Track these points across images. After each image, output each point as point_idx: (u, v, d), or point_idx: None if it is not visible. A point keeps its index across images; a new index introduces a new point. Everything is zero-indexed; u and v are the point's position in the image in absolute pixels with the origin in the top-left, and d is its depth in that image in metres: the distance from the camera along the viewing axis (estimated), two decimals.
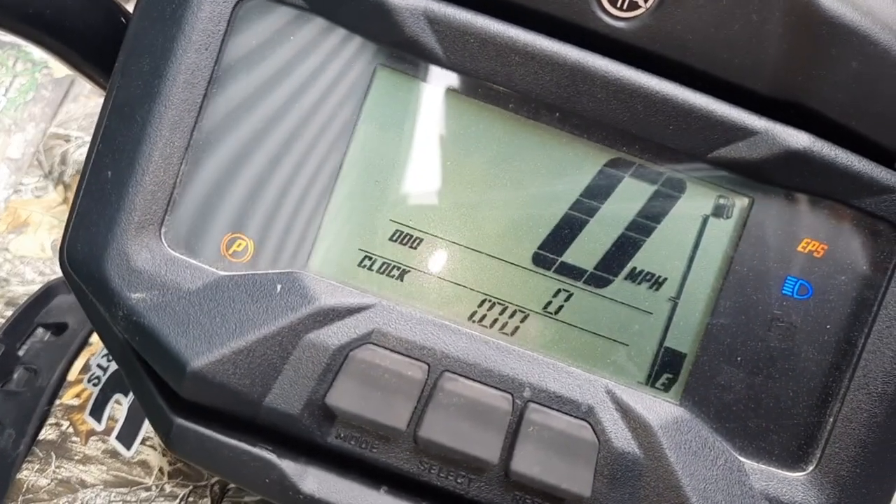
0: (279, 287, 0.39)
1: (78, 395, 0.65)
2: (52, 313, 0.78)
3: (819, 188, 0.39)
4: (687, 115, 0.38)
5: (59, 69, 1.05)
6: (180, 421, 0.39)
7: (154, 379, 0.41)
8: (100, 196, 0.39)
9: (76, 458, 0.62)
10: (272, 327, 0.38)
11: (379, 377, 0.38)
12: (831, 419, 0.40)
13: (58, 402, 0.66)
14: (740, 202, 0.40)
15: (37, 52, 1.06)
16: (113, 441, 0.62)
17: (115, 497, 0.60)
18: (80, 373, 0.67)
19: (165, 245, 0.40)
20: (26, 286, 0.87)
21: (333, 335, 0.39)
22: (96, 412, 0.64)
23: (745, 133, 0.38)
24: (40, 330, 0.77)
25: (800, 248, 0.40)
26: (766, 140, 0.38)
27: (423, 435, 0.38)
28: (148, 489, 0.60)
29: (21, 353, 0.75)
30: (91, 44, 0.46)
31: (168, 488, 0.60)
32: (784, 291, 0.40)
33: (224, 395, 0.39)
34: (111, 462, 0.61)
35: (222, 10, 0.39)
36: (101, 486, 0.60)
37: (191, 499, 0.60)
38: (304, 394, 0.39)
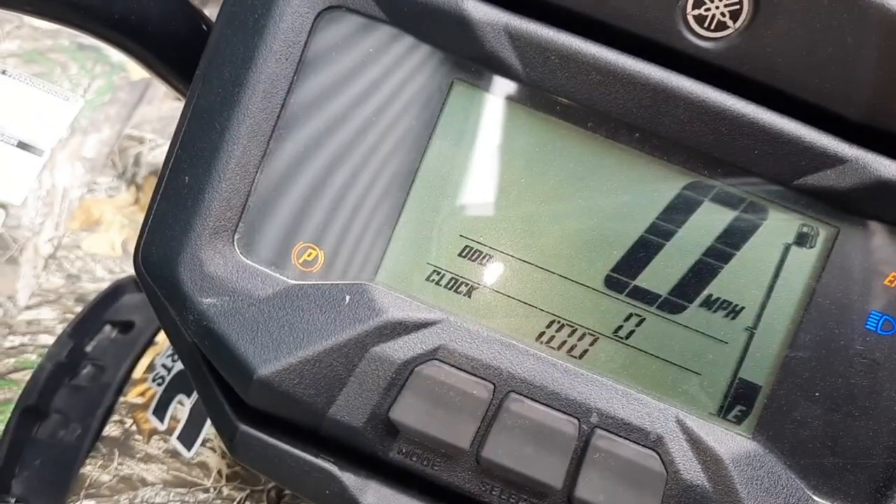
0: (347, 298, 0.39)
1: (142, 394, 0.66)
2: (119, 311, 0.79)
3: None
4: (773, 140, 0.37)
5: (136, 72, 1.08)
6: (245, 427, 0.40)
7: (220, 384, 0.41)
8: (177, 200, 0.40)
9: (138, 455, 0.63)
10: (339, 338, 0.38)
11: (444, 394, 0.38)
12: None
13: (122, 399, 0.67)
14: (825, 232, 0.38)
15: (115, 55, 1.08)
16: (174, 441, 0.63)
17: (173, 497, 0.61)
18: (145, 372, 0.68)
19: (238, 252, 0.40)
20: (96, 283, 0.89)
21: (400, 349, 0.38)
22: (159, 411, 0.65)
23: (834, 161, 0.36)
24: (108, 327, 0.79)
25: (886, 283, 0.38)
26: (856, 168, 0.36)
27: (486, 455, 0.37)
28: (206, 491, 0.61)
29: (89, 349, 0.76)
30: (172, 50, 0.47)
31: (226, 491, 0.61)
32: (868, 326, 0.38)
33: (289, 404, 0.39)
34: (171, 462, 0.62)
35: (304, 21, 0.39)
36: (161, 486, 0.61)
37: (247, 502, 0.60)
38: (368, 407, 0.38)
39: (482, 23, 0.37)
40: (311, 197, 0.40)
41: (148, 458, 0.62)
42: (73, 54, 1.17)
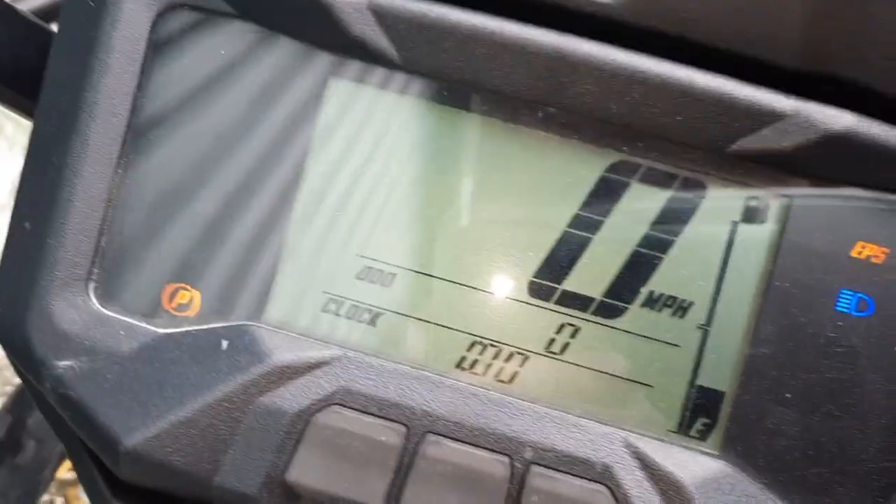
0: (225, 344, 0.33)
1: (73, 469, 0.60)
2: None
3: (870, 178, 0.32)
4: (697, 101, 0.31)
5: None
6: None
7: (94, 456, 0.35)
8: (20, 251, 0.34)
9: None
10: (217, 392, 0.32)
11: (348, 445, 0.32)
12: None
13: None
14: (775, 203, 0.33)
15: None
16: None
17: None
18: None
19: (95, 302, 0.34)
20: None
21: (291, 397, 0.33)
22: None
23: (770, 117, 0.31)
24: None
25: (854, 254, 0.32)
26: (798, 123, 0.31)
27: None
28: None
29: (30, 421, 0.71)
30: (18, 75, 0.41)
31: None
32: (839, 308, 0.33)
33: (167, 475, 0.33)
34: None
35: (140, 27, 0.33)
36: None
37: None
38: (260, 469, 0.32)
39: (342, 4, 0.32)
40: (178, 229, 0.35)
41: None
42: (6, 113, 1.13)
